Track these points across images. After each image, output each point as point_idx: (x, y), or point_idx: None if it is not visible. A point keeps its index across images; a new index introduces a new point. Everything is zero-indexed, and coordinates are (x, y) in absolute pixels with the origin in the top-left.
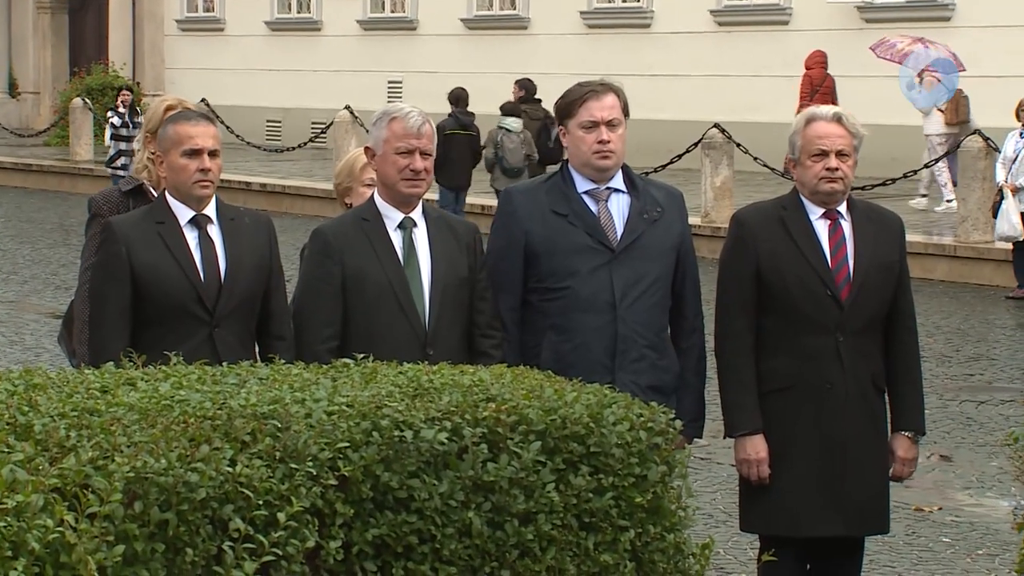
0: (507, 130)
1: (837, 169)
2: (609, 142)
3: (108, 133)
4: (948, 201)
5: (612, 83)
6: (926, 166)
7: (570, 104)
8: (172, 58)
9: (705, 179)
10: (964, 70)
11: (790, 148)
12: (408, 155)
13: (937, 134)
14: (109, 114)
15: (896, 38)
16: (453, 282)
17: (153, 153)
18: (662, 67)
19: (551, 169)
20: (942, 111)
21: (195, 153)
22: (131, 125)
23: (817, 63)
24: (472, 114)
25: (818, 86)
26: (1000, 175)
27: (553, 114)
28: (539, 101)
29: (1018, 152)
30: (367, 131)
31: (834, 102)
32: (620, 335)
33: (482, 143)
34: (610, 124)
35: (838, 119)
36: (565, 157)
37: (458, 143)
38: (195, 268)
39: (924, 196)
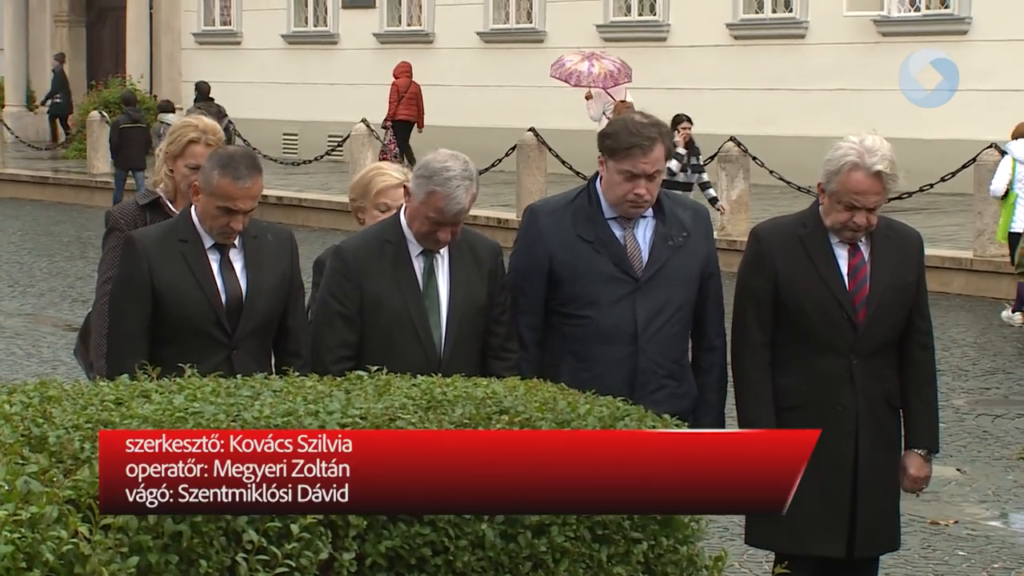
0: (166, 124)
1: (864, 222)
2: (645, 193)
3: None
4: None
5: (660, 126)
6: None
7: (615, 149)
8: (189, 71)
9: (721, 192)
10: (629, 81)
11: (824, 175)
12: (439, 226)
13: None
14: None
15: (568, 56)
16: (470, 311)
17: (171, 170)
18: (678, 80)
19: None
20: (610, 120)
21: (231, 211)
22: (689, 170)
23: (403, 72)
24: (141, 112)
25: (403, 93)
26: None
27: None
28: (212, 99)
29: None
30: (379, 139)
31: (420, 108)
32: (640, 368)
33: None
34: (650, 176)
35: (878, 175)
36: (593, 176)
37: (133, 133)
38: (216, 291)
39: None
